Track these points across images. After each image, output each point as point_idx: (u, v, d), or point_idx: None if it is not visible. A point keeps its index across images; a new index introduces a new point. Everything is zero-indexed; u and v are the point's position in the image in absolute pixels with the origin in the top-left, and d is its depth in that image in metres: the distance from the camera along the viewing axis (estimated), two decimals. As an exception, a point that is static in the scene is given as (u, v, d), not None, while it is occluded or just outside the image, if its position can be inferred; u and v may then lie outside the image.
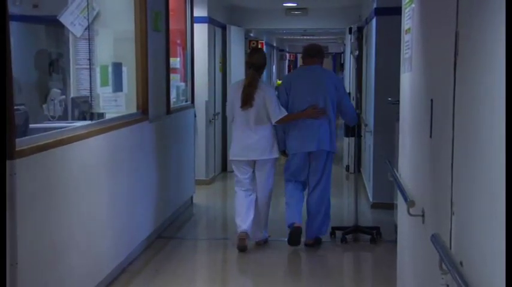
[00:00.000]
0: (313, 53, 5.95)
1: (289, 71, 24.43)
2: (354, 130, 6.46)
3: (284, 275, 5.33)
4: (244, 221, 5.76)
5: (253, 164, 5.81)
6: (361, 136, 6.43)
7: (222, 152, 10.02)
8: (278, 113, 5.64)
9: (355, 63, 7.89)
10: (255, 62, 5.76)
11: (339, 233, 6.17)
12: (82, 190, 4.27)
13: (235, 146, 5.80)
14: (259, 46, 13.27)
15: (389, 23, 7.02)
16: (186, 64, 7.85)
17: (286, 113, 5.68)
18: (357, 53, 7.02)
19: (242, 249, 5.70)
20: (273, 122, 5.69)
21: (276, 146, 5.78)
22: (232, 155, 5.86)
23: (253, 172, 5.86)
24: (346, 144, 10.39)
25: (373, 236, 6.06)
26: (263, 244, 5.96)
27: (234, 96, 5.77)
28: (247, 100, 5.63)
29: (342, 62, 17.13)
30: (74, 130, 4.27)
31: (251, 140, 5.70)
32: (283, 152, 5.92)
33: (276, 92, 5.92)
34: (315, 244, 5.91)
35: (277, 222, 7.07)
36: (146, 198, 5.76)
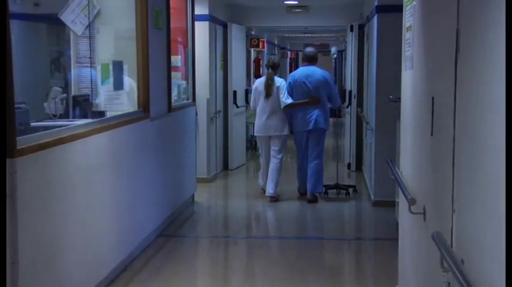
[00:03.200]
0: (310, 57, 8.05)
1: (290, 68, 24.42)
2: (335, 112, 8.85)
3: (285, 272, 5.33)
4: (267, 185, 7.98)
5: (270, 139, 7.95)
6: (341, 117, 9.31)
7: (224, 151, 10.01)
8: (285, 100, 7.73)
9: (338, 64, 11.08)
10: (272, 64, 7.96)
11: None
12: (83, 188, 4.27)
13: (258, 126, 7.96)
14: (261, 45, 13.44)
15: (390, 20, 7.02)
16: (187, 62, 7.85)
17: (292, 101, 7.70)
18: (335, 55, 9.85)
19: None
20: (282, 107, 7.74)
21: (287, 127, 7.86)
22: (255, 132, 8.12)
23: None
24: (348, 142, 10.39)
25: (347, 191, 8.14)
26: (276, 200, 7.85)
27: (257, 90, 7.92)
28: (267, 91, 7.77)
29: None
30: (75, 128, 4.27)
31: (268, 121, 7.84)
32: (291, 131, 7.96)
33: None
34: (314, 200, 7.79)
35: (278, 221, 7.08)
36: (147, 196, 5.76)
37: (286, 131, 7.88)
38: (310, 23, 11.28)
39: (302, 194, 8.02)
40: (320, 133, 7.83)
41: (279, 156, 7.94)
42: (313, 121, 7.71)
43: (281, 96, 7.72)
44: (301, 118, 7.76)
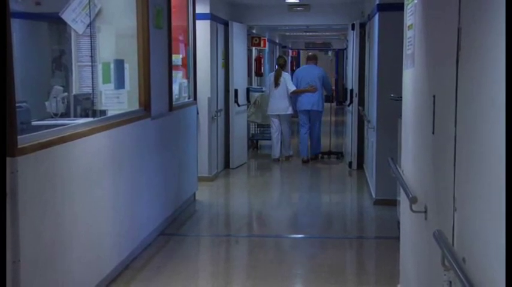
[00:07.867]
0: (311, 58, 11.29)
1: (291, 67, 24.41)
2: (329, 98, 12.38)
3: (286, 271, 5.33)
4: (276, 152, 10.97)
5: (279, 116, 10.84)
6: (334, 102, 13.00)
7: (225, 149, 10.01)
8: (291, 88, 10.70)
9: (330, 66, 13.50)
10: (280, 63, 11.13)
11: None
12: (84, 187, 4.27)
13: (270, 107, 10.85)
14: (262, 44, 13.53)
15: (392, 19, 7.00)
16: (188, 61, 7.84)
17: (295, 88, 10.69)
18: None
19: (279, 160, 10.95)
20: (289, 93, 10.70)
21: (291, 108, 10.80)
22: (268, 111, 10.94)
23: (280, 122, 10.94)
24: (349, 141, 10.39)
25: (338, 156, 11.29)
26: (290, 158, 11.07)
27: (271, 81, 10.91)
28: (276, 82, 10.76)
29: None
30: (76, 127, 4.27)
31: (278, 103, 10.76)
32: (295, 111, 10.92)
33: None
34: (315, 158, 10.99)
35: (280, 219, 7.07)
36: (149, 195, 5.76)
37: (290, 111, 10.81)
38: (311, 21, 11.27)
39: (305, 161, 10.75)
40: (318, 113, 10.84)
41: (287, 130, 10.91)
42: (311, 103, 10.68)
43: (288, 85, 10.68)
44: (303, 101, 10.69)
